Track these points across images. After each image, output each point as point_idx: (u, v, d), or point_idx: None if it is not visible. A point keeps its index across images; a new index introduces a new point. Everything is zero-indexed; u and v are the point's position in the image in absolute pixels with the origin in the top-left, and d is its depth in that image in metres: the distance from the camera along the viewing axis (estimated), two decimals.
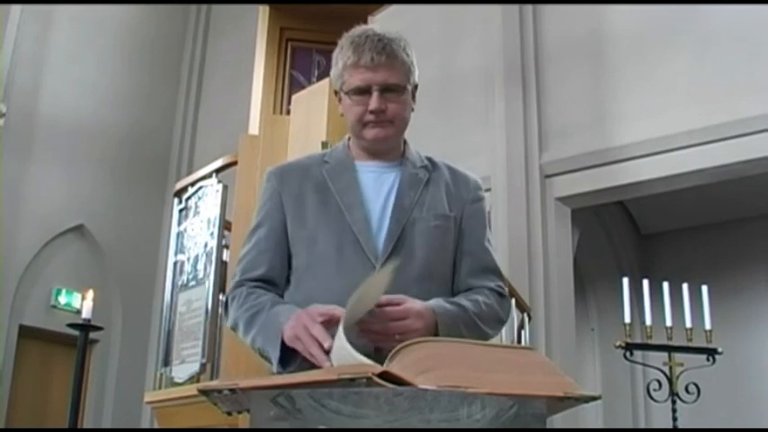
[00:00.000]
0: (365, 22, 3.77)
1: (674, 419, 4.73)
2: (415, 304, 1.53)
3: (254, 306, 1.63)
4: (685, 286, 4.90)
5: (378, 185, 1.73)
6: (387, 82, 1.67)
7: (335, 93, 1.76)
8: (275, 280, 1.71)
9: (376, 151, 1.75)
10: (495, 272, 1.79)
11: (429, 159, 1.82)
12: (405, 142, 1.81)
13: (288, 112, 3.70)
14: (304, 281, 1.68)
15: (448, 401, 1.12)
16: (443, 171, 1.80)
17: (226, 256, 3.56)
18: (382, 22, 3.80)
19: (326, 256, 1.65)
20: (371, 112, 1.67)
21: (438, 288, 1.70)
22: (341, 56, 1.70)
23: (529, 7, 6.37)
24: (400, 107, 1.70)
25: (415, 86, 1.76)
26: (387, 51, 1.66)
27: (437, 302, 1.60)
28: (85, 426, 7.35)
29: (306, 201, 1.71)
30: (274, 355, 1.54)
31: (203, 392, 1.25)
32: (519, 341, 4.67)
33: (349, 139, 1.80)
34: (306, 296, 1.65)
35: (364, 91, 1.67)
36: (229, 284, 1.78)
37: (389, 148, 1.76)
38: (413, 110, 1.77)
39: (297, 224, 1.70)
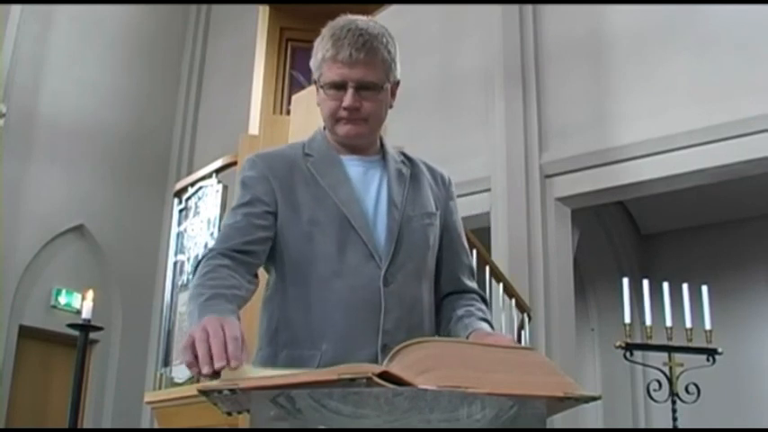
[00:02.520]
0: None
1: (674, 419, 4.72)
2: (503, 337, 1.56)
3: (201, 285, 1.49)
4: (685, 286, 4.90)
5: (366, 180, 1.69)
6: (363, 80, 1.61)
7: (314, 83, 1.70)
8: (257, 252, 1.61)
9: (354, 146, 1.71)
10: (473, 272, 1.83)
11: (403, 154, 1.79)
12: (380, 137, 1.77)
13: (288, 112, 3.69)
14: (299, 278, 1.62)
15: (448, 401, 1.12)
16: (421, 167, 1.78)
17: None
18: (382, 22, 3.79)
19: (325, 252, 1.60)
20: (345, 108, 1.62)
21: (428, 285, 1.71)
22: (321, 46, 1.65)
23: (529, 7, 6.37)
24: (375, 105, 1.65)
25: (396, 83, 1.71)
26: (366, 48, 1.60)
27: (483, 324, 1.62)
28: (85, 426, 7.35)
29: (296, 193, 1.65)
30: None
31: (203, 392, 1.25)
32: (519, 341, 4.67)
33: (325, 128, 1.74)
34: (302, 293, 1.61)
35: (340, 86, 1.62)
36: None
37: (367, 144, 1.72)
38: (391, 107, 1.72)
39: (289, 215, 1.63)
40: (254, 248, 1.60)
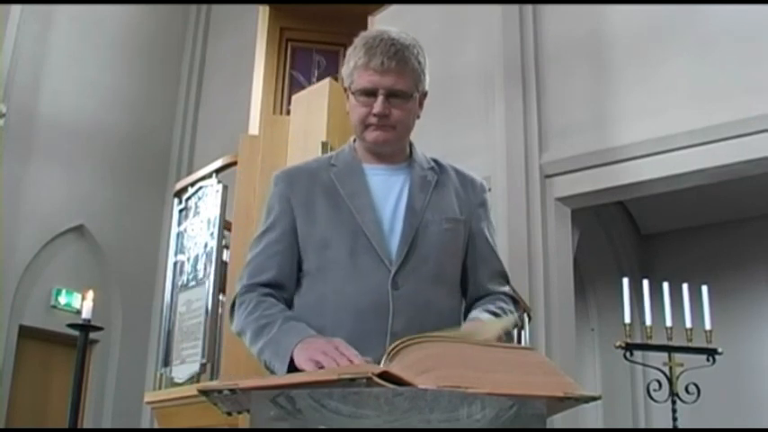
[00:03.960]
0: (365, 22, 3.78)
1: (674, 419, 4.72)
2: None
3: (264, 317, 1.61)
4: (685, 286, 4.90)
5: (387, 188, 1.73)
6: (393, 87, 1.67)
7: (345, 90, 1.76)
8: (284, 284, 1.70)
9: (380, 153, 1.75)
10: (505, 276, 1.84)
11: (435, 161, 1.82)
12: (411, 144, 1.81)
13: (288, 112, 3.70)
14: (315, 284, 1.68)
15: (448, 401, 1.12)
16: (451, 173, 1.81)
17: (226, 256, 3.56)
18: (382, 22, 3.80)
19: (339, 259, 1.65)
20: (374, 115, 1.68)
21: (449, 291, 1.72)
22: (353, 55, 1.70)
23: (529, 7, 6.37)
24: (404, 113, 1.70)
25: (424, 94, 1.75)
26: (398, 57, 1.66)
27: (483, 315, 1.65)
28: (85, 426, 7.34)
29: (315, 204, 1.70)
30: (281, 371, 1.52)
31: (203, 393, 1.25)
32: (519, 341, 4.67)
33: (355, 140, 1.80)
34: (317, 300, 1.66)
35: (370, 93, 1.67)
36: (234, 287, 1.76)
37: (394, 151, 1.76)
38: (418, 116, 1.77)
39: (307, 228, 1.70)
40: (280, 281, 1.70)
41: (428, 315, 1.64)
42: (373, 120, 1.68)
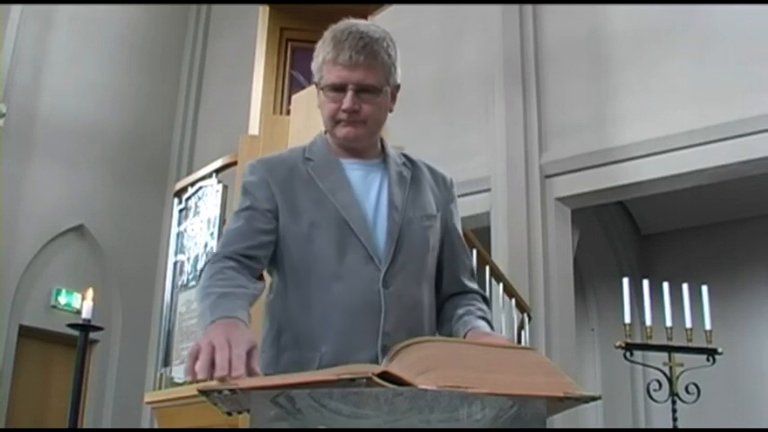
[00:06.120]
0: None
1: (674, 419, 4.72)
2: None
3: (211, 286, 1.53)
4: (685, 286, 4.89)
5: (366, 184, 1.70)
6: (363, 82, 1.63)
7: (315, 84, 1.71)
8: (260, 258, 1.63)
9: (353, 149, 1.72)
10: (473, 272, 1.85)
11: (405, 156, 1.80)
12: (382, 139, 1.78)
13: (288, 112, 3.69)
14: (300, 280, 1.64)
15: (448, 402, 1.12)
16: (423, 169, 1.79)
17: None
18: (382, 22, 3.79)
19: (324, 254, 1.61)
20: (344, 110, 1.64)
21: (428, 287, 1.72)
22: (322, 49, 1.67)
23: (529, 7, 6.37)
24: (374, 108, 1.66)
25: (397, 87, 1.72)
26: (366, 51, 1.62)
27: (480, 323, 1.65)
28: (85, 426, 7.34)
29: (296, 197, 1.66)
30: None
31: (203, 393, 1.25)
32: (519, 341, 4.67)
33: (326, 132, 1.76)
34: (303, 296, 1.62)
35: (339, 88, 1.63)
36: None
37: (366, 147, 1.73)
38: (391, 110, 1.73)
39: (289, 220, 1.65)
40: (256, 253, 1.63)
41: (415, 312, 1.64)
42: (343, 116, 1.64)
